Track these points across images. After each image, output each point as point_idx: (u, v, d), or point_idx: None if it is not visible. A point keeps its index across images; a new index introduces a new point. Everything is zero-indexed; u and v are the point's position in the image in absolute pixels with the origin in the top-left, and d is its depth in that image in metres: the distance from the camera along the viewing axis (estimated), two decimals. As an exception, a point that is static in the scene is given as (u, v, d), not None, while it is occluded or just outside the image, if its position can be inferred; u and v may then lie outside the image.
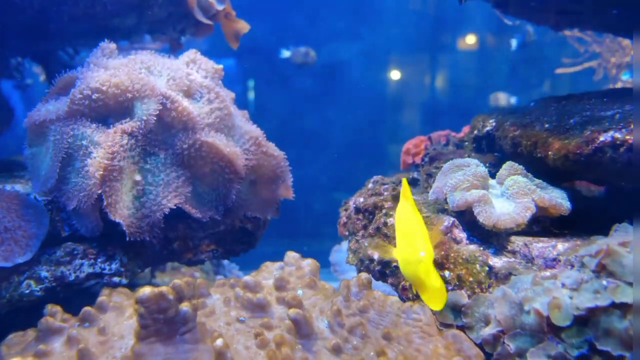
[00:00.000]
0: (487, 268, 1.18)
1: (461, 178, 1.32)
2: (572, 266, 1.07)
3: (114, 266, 1.40)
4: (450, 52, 4.77)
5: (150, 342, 0.88)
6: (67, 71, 1.51)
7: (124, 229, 1.32)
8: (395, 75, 4.80)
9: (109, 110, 1.40)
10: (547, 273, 1.06)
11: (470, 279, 1.19)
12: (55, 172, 1.34)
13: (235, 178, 1.47)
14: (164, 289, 0.87)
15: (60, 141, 1.35)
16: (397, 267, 1.33)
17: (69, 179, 1.35)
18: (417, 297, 1.14)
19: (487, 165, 1.53)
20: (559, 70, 3.70)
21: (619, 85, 3.44)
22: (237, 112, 1.65)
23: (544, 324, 0.96)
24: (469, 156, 1.68)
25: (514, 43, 3.96)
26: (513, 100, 4.05)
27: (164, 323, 0.88)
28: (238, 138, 1.55)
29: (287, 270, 1.27)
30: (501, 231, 1.22)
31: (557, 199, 1.24)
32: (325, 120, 4.68)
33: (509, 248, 1.22)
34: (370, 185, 1.73)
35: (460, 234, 1.30)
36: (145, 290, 0.85)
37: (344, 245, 2.60)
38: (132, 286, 1.37)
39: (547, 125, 1.36)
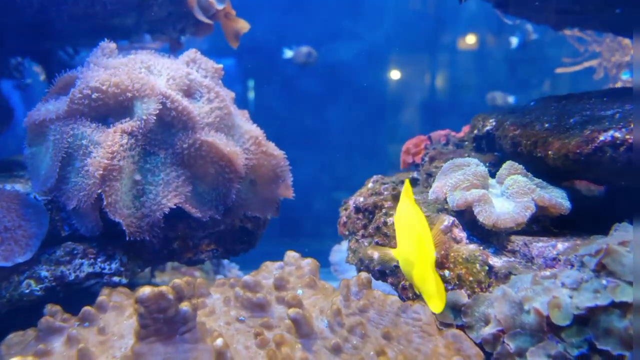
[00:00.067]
0: (487, 267, 1.18)
1: (461, 177, 1.32)
2: (572, 265, 1.07)
3: (113, 266, 1.40)
4: (450, 52, 4.77)
5: (150, 341, 0.88)
6: (67, 71, 1.51)
7: (124, 228, 1.32)
8: (395, 74, 4.80)
9: (109, 109, 1.40)
10: (547, 272, 1.06)
11: (470, 278, 1.19)
12: (55, 171, 1.34)
13: (235, 177, 1.47)
14: (163, 288, 0.87)
15: (60, 141, 1.35)
16: (397, 267, 1.33)
17: (69, 179, 1.35)
18: (417, 297, 1.14)
19: (487, 164, 1.53)
20: (559, 70, 3.70)
21: (619, 84, 3.44)
22: (237, 112, 1.65)
23: (544, 324, 0.96)
24: (469, 156, 1.68)
25: (514, 41, 3.95)
26: (510, 99, 4.04)
27: (163, 323, 0.88)
28: (238, 137, 1.55)
29: (287, 269, 1.27)
30: (501, 230, 1.21)
31: (557, 199, 1.24)
32: (325, 119, 4.68)
33: (509, 247, 1.22)
34: (370, 185, 1.73)
35: (460, 233, 1.30)
36: (145, 290, 0.85)
37: (344, 244, 2.61)
38: (132, 286, 1.37)
39: (547, 125, 1.36)
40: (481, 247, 1.25)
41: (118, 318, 1.15)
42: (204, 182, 1.46)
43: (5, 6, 1.71)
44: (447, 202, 1.32)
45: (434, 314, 1.09)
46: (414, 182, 1.88)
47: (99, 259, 1.39)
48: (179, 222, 1.50)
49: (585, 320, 0.92)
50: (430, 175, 1.74)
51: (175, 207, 1.38)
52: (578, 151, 1.22)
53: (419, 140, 2.31)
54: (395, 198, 1.49)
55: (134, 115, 1.38)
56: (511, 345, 0.98)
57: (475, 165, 1.37)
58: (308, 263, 1.27)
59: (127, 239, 1.33)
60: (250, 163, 1.52)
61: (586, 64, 3.55)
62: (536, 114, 1.46)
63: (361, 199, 1.63)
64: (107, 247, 1.42)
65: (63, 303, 1.22)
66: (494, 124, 1.65)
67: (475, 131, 1.79)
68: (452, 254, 1.24)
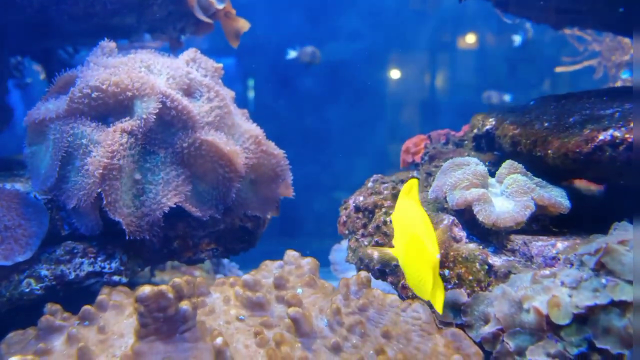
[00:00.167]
0: (486, 266, 1.18)
1: (461, 177, 1.32)
2: (572, 264, 1.07)
3: (113, 265, 1.40)
4: (450, 51, 4.77)
5: (150, 340, 0.88)
6: (66, 70, 1.51)
7: (124, 227, 1.32)
8: (394, 74, 4.80)
9: (109, 108, 1.40)
10: (547, 271, 1.06)
11: (470, 277, 1.19)
12: (55, 170, 1.34)
13: (235, 177, 1.47)
14: (163, 287, 0.87)
15: (60, 140, 1.36)
16: (396, 266, 1.34)
17: (69, 178, 1.35)
18: (416, 296, 1.14)
19: (487, 164, 1.53)
20: (559, 69, 3.69)
21: (618, 84, 3.44)
22: (237, 111, 1.65)
23: (544, 323, 0.96)
24: (468, 155, 1.68)
25: (517, 39, 3.94)
26: (506, 97, 4.04)
27: (163, 322, 0.88)
28: (238, 137, 1.55)
29: (286, 269, 1.27)
30: (501, 230, 1.22)
31: (557, 198, 1.24)
32: (325, 119, 4.68)
33: (509, 247, 1.22)
34: (370, 184, 1.73)
35: (459, 232, 1.30)
36: (145, 289, 0.85)
37: (344, 244, 2.61)
38: (132, 285, 1.38)
39: (546, 124, 1.36)
40: (481, 246, 1.25)
41: (118, 317, 1.15)
42: (203, 181, 1.46)
43: (5, 6, 1.72)
44: (446, 202, 1.33)
45: (433, 312, 1.09)
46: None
47: (99, 258, 1.39)
48: (178, 221, 1.50)
49: (584, 319, 0.92)
50: (430, 175, 1.74)
51: (175, 206, 1.38)
52: (577, 150, 1.22)
53: (418, 140, 2.31)
54: (395, 197, 1.49)
55: (133, 115, 1.38)
56: (511, 344, 0.98)
57: (474, 165, 1.37)
58: (308, 262, 1.27)
59: (127, 238, 1.33)
60: (250, 162, 1.52)
61: (586, 63, 3.55)
62: (536, 113, 1.46)
63: (361, 198, 1.63)
64: (107, 246, 1.42)
65: (63, 302, 1.22)
66: (493, 123, 1.65)
67: (475, 130, 1.79)
68: (451, 253, 1.24)
